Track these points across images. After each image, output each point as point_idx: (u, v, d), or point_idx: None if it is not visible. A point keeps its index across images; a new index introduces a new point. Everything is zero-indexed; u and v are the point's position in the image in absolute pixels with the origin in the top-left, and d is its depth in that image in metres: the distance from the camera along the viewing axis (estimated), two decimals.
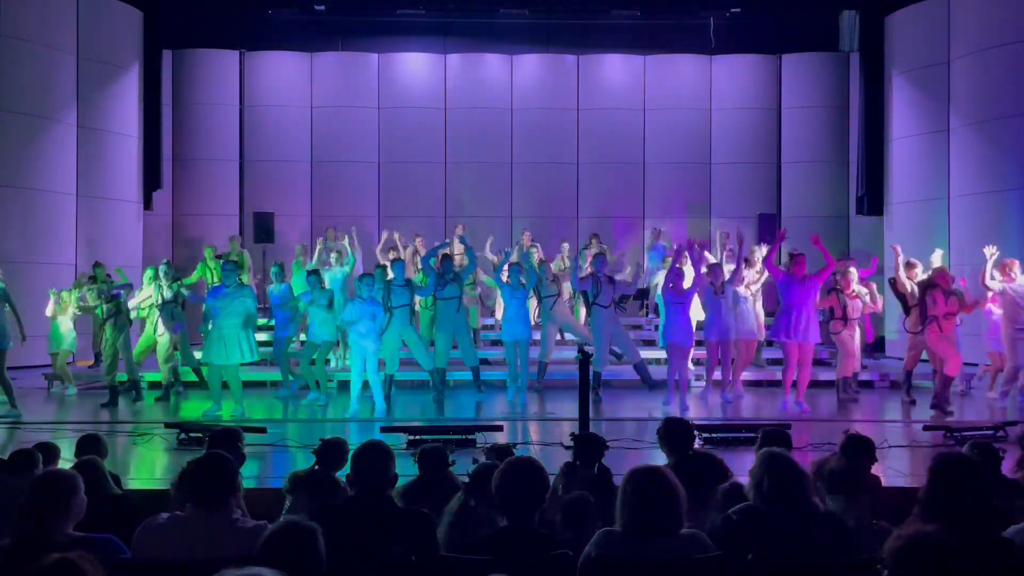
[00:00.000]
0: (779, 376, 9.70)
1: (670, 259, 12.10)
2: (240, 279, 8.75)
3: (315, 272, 9.75)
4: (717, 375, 9.67)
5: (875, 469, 4.33)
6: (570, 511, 3.36)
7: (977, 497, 2.59)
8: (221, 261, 10.09)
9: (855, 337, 9.44)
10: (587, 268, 10.12)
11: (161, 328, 9.58)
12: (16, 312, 8.77)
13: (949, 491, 2.59)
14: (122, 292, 9.40)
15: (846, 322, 9.27)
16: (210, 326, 8.68)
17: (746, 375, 10.32)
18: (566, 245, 13.18)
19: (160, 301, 9.51)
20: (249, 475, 5.50)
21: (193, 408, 9.12)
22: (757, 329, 10.03)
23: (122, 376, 9.48)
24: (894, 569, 2.47)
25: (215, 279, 11.50)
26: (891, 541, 2.53)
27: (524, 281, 9.49)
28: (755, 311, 10.07)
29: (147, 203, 14.24)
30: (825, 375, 10.43)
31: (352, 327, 8.53)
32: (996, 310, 9.33)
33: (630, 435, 7.24)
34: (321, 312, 9.37)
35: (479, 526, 3.39)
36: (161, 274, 9.57)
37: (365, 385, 8.59)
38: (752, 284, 9.99)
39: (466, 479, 3.75)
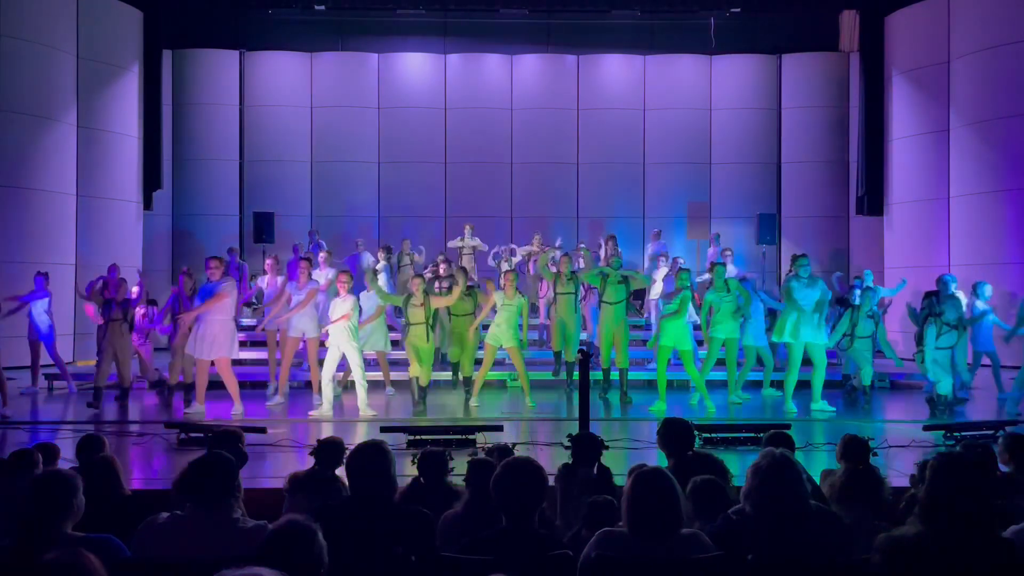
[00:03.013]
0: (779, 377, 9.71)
1: (663, 257, 12.18)
2: (224, 273, 8.65)
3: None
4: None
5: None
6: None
7: (977, 497, 2.58)
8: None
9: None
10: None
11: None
12: None
13: (949, 491, 2.59)
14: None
15: (853, 339, 9.24)
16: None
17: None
18: (582, 245, 13.12)
19: (179, 310, 9.33)
20: (249, 475, 5.50)
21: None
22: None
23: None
24: (882, 569, 2.48)
25: None
26: (879, 542, 2.54)
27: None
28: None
29: (147, 203, 14.24)
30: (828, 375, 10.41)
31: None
32: None
33: (629, 435, 7.24)
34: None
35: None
36: (181, 284, 9.32)
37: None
38: None
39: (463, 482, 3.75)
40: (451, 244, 13.56)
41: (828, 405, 8.68)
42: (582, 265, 10.66)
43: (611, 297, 9.38)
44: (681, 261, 12.67)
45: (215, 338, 8.34)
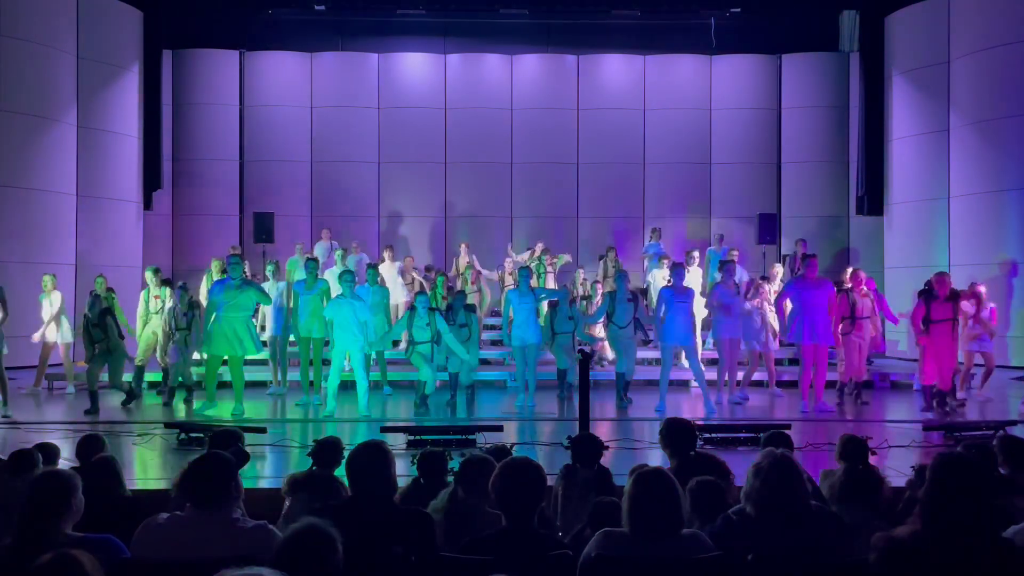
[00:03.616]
0: (783, 377, 9.72)
1: (667, 259, 12.11)
2: (245, 274, 8.69)
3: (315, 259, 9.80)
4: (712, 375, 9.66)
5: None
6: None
7: (977, 497, 2.58)
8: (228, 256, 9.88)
9: (864, 340, 9.37)
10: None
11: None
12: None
13: (949, 491, 2.59)
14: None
15: (854, 321, 9.23)
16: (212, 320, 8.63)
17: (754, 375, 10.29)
18: (581, 272, 13.04)
19: (173, 326, 9.30)
20: (249, 475, 5.50)
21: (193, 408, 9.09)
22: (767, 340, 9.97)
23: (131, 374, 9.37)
24: (879, 569, 2.48)
25: None
26: (875, 542, 2.54)
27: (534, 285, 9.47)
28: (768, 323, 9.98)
29: (147, 203, 14.24)
30: (828, 376, 10.40)
31: (335, 324, 8.53)
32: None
33: (629, 435, 7.24)
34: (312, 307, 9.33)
35: (471, 519, 3.39)
36: (177, 298, 9.33)
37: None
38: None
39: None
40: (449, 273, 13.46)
41: (827, 406, 8.68)
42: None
43: (621, 319, 9.29)
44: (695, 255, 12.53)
45: (236, 336, 8.35)
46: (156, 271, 10.15)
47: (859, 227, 15.14)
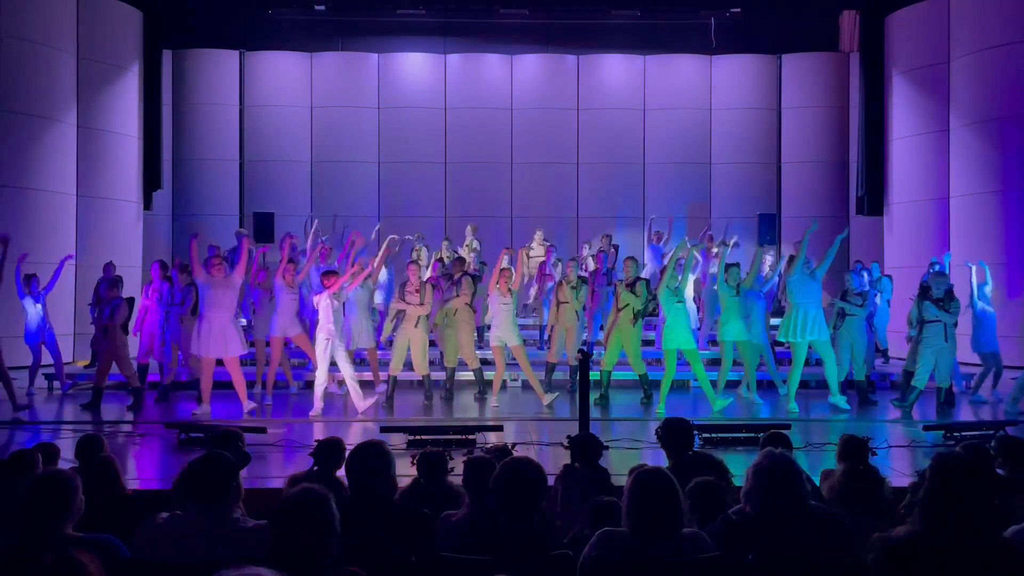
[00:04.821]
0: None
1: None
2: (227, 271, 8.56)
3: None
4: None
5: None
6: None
7: (977, 497, 2.58)
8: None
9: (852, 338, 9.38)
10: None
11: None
12: None
13: (949, 491, 2.59)
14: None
15: (842, 319, 9.24)
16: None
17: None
18: (587, 246, 12.99)
19: (171, 302, 9.43)
20: (249, 475, 5.50)
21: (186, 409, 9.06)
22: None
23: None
24: (878, 569, 2.48)
25: None
26: (873, 542, 2.54)
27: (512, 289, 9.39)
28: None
29: (147, 203, 14.23)
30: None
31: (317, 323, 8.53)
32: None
33: (629, 435, 7.24)
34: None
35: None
36: (174, 276, 9.47)
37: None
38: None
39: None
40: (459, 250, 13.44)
41: (845, 403, 8.68)
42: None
43: (623, 303, 9.26)
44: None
45: (225, 336, 8.32)
46: (164, 265, 10.13)
47: (859, 227, 15.13)
